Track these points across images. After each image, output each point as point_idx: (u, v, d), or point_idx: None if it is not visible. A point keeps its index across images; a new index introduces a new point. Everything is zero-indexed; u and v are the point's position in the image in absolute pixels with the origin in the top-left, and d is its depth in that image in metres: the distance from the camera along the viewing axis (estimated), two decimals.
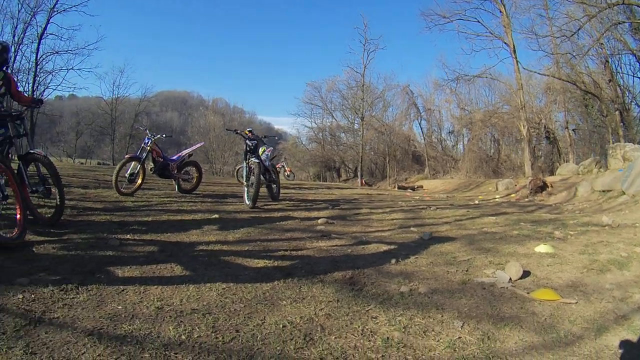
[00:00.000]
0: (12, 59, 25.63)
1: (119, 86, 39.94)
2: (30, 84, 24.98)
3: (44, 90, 25.94)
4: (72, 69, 26.61)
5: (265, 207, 6.90)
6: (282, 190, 8.45)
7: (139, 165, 7.00)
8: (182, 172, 7.78)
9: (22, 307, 2.44)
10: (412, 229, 5.62)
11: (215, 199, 7.63)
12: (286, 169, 22.02)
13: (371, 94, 38.63)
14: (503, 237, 5.10)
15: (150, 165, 7.34)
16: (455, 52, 78.27)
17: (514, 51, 23.34)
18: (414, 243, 4.69)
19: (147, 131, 7.42)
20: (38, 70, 24.54)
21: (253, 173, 6.78)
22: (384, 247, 4.39)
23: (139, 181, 7.03)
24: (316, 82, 45.09)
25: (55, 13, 24.60)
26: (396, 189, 24.47)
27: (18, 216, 3.68)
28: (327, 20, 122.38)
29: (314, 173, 44.33)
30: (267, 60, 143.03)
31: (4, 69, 4.96)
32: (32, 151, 4.46)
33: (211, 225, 5.15)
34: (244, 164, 7.08)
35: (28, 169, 4.46)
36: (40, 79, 25.22)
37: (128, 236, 4.29)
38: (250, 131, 10.46)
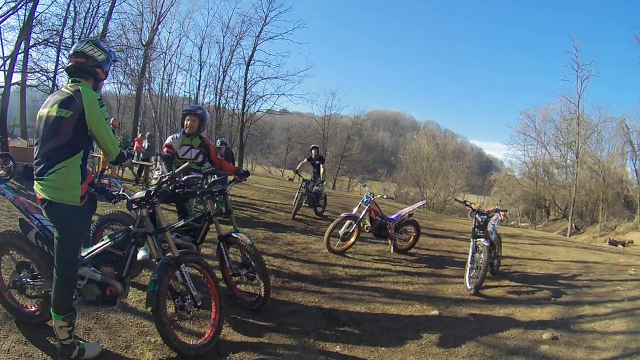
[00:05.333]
0: (221, 82, 29.67)
1: (331, 107, 41.70)
2: (241, 105, 28.30)
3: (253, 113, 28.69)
4: (283, 94, 29.34)
5: (485, 292, 5.64)
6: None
7: (355, 224, 6.56)
8: (400, 231, 7.09)
9: None
10: None
11: (432, 268, 6.66)
12: (500, 213, 19.71)
13: (585, 127, 34.84)
14: None
15: (366, 224, 6.81)
16: None
17: None
18: None
19: (367, 188, 6.99)
20: (247, 93, 27.68)
21: (479, 252, 5.69)
22: None
23: (352, 240, 6.64)
24: (530, 110, 42.42)
25: (261, 41, 27.63)
26: (607, 243, 23.32)
27: (213, 316, 3.30)
28: (541, 43, 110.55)
29: (523, 210, 42.81)
30: (480, 83, 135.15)
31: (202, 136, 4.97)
32: (235, 235, 4.09)
33: (430, 332, 4.11)
34: (472, 241, 5.88)
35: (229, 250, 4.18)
36: (250, 102, 28.28)
37: (337, 348, 3.53)
38: (315, 148, 10.22)
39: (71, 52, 2.87)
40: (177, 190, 4.10)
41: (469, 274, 5.74)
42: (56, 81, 19.98)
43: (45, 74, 19.03)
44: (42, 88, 19.92)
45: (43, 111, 2.73)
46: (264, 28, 27.89)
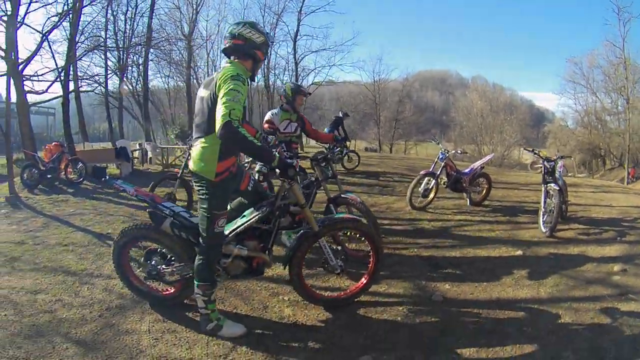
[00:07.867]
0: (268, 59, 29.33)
1: (379, 73, 41.04)
2: (293, 80, 28.02)
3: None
4: (334, 65, 29.75)
5: (558, 235, 6.06)
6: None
7: (433, 181, 7.09)
8: (473, 184, 7.57)
9: None
10: None
11: (507, 216, 7.15)
12: (560, 164, 19.40)
13: (633, 70, 32.27)
14: None
15: (443, 179, 7.31)
16: None
17: None
18: None
19: (440, 145, 7.51)
20: (298, 68, 27.44)
21: (550, 197, 6.10)
22: None
23: (432, 196, 7.17)
24: (576, 58, 39.93)
25: (304, 15, 27.04)
26: None
27: (364, 279, 3.62)
28: None
29: (580, 160, 41.02)
30: (523, 33, 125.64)
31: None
32: (344, 196, 4.44)
33: (519, 269, 4.67)
34: (543, 187, 6.31)
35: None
36: (303, 76, 28.02)
37: (447, 286, 4.16)
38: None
39: (227, 34, 2.83)
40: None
41: (543, 218, 6.16)
42: (107, 85, 21.64)
43: (96, 79, 20.12)
44: (97, 91, 21.54)
45: (199, 91, 2.84)
46: (305, 2, 27.35)
